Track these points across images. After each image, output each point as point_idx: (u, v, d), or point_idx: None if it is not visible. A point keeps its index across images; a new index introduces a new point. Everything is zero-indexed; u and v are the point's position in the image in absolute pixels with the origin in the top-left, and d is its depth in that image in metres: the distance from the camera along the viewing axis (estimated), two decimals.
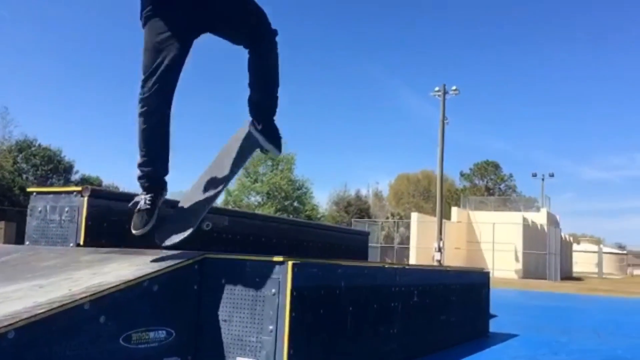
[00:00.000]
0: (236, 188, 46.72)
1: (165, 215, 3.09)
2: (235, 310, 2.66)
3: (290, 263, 2.61)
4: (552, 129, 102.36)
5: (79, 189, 3.41)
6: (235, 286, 2.69)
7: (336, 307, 2.97)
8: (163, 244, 2.92)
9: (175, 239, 2.90)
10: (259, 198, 47.45)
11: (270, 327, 2.58)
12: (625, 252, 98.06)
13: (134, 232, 2.91)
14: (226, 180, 3.27)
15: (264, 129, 3.39)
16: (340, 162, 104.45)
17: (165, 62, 2.90)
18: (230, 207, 41.01)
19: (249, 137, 3.42)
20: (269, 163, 47.30)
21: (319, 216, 50.20)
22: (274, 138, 3.43)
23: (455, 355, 4.25)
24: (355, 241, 5.97)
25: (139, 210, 2.96)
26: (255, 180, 46.98)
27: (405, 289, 3.78)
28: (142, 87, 2.93)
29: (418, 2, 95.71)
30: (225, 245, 4.01)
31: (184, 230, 2.94)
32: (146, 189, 3.03)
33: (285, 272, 2.60)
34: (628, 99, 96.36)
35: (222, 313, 2.69)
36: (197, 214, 3.06)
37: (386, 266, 3.67)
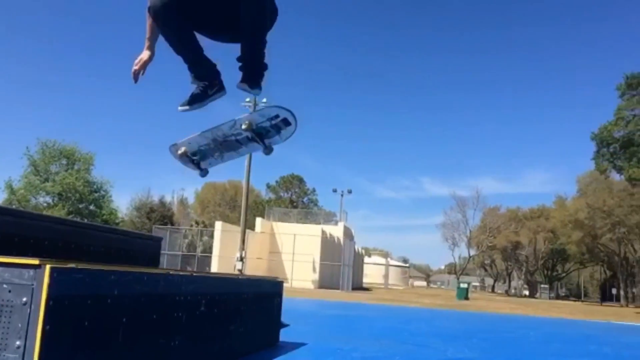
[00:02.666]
0: (22, 187, 41.98)
1: None
2: None
3: (48, 267, 2.22)
4: (352, 149, 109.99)
5: None
6: None
7: (106, 319, 2.63)
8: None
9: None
10: (49, 199, 43.20)
11: (18, 343, 2.17)
12: (408, 265, 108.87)
13: (179, 107, 3.33)
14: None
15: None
16: (145, 166, 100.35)
17: None
18: (14, 207, 36.76)
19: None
20: (63, 162, 43.41)
21: (117, 221, 47.29)
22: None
23: None
24: (146, 247, 5.54)
25: (192, 92, 3.30)
26: (46, 180, 42.69)
27: (191, 298, 3.53)
28: None
29: None
30: None
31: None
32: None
33: (41, 278, 2.21)
34: (417, 127, 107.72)
35: None
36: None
37: (171, 273, 3.39)
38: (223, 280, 4.43)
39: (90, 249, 4.37)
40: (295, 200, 73.27)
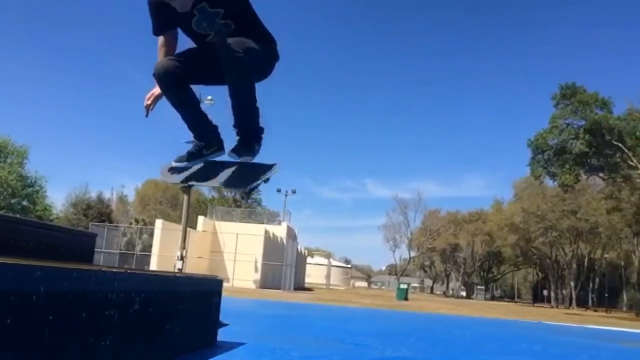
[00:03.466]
0: None
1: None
2: None
3: None
4: (298, 149, 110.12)
5: None
6: None
7: (31, 317, 2.50)
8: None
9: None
10: None
11: None
12: (350, 266, 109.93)
13: (172, 162, 3.45)
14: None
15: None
16: (83, 160, 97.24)
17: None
18: None
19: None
20: None
21: (52, 218, 45.55)
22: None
23: None
24: (79, 243, 5.33)
25: (189, 150, 3.42)
26: None
27: (125, 295, 3.42)
28: None
29: None
30: None
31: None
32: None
33: None
34: (362, 130, 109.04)
35: None
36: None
37: (103, 269, 3.27)
38: (159, 278, 4.31)
39: (19, 245, 4.17)
40: (239, 199, 72.63)
